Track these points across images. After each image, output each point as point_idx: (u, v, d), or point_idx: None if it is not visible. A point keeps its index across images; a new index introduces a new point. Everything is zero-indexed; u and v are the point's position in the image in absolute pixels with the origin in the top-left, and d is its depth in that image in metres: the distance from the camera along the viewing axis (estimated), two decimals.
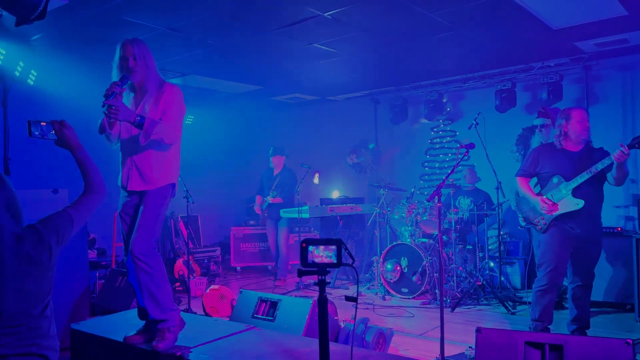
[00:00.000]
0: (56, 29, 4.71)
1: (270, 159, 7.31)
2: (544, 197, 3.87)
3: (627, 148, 3.48)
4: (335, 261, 1.97)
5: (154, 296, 2.99)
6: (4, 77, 4.05)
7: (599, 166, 3.66)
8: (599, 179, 3.76)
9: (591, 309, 4.89)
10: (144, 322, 3.14)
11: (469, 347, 3.75)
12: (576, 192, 3.77)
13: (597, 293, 5.03)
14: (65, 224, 2.24)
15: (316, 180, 7.69)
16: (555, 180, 3.88)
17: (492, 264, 6.02)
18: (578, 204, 3.74)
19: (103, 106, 2.87)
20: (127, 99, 3.14)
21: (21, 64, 4.28)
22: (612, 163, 3.58)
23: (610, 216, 5.97)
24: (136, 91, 3.13)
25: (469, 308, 5.34)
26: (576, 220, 3.78)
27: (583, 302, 3.92)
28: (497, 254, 5.80)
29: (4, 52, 4.03)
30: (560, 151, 3.91)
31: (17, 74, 4.29)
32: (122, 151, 3.23)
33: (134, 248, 2.95)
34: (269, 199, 7.02)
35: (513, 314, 5.08)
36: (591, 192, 3.76)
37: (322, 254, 1.97)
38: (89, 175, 2.49)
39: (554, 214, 3.82)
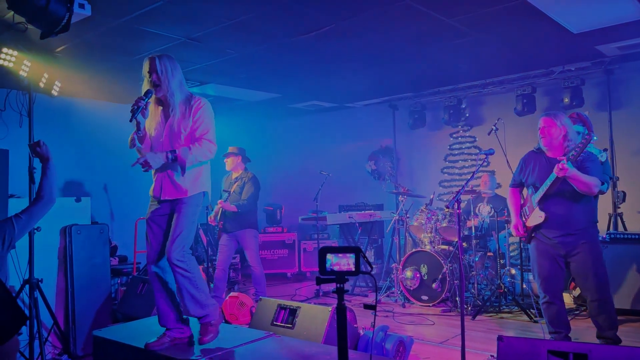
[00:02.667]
0: (79, 41, 4.82)
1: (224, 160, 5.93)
2: (517, 220, 3.82)
3: (562, 163, 3.32)
4: (353, 269, 1.97)
5: (194, 297, 3.14)
6: (30, 88, 4.14)
7: (547, 182, 3.54)
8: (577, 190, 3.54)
9: (619, 318, 4.81)
10: (164, 329, 3.19)
11: (491, 355, 3.70)
12: (544, 204, 3.62)
13: (625, 301, 4.92)
14: (9, 230, 2.67)
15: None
16: (530, 190, 3.78)
17: (513, 271, 5.94)
18: (541, 216, 3.62)
19: (130, 120, 3.04)
20: (156, 112, 3.23)
21: (46, 75, 4.38)
22: (565, 177, 3.40)
23: (637, 223, 5.86)
24: (163, 104, 3.23)
25: (490, 316, 5.27)
26: (551, 232, 3.62)
27: (597, 317, 3.64)
28: (519, 261, 5.72)
29: (29, 65, 4.13)
30: (542, 157, 3.76)
31: (42, 85, 4.39)
32: None
33: (172, 256, 3.05)
34: (219, 203, 5.66)
35: (536, 322, 4.99)
36: (563, 203, 3.57)
37: (340, 262, 1.97)
38: (44, 185, 2.82)
39: (528, 225, 3.75)
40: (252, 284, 5.95)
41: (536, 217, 3.67)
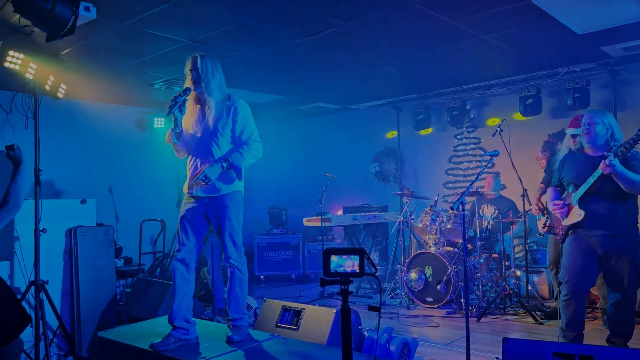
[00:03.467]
0: (85, 44, 4.84)
1: None
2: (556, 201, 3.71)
3: (608, 160, 3.25)
4: (358, 271, 1.97)
5: (238, 298, 3.30)
6: (35, 91, 4.17)
7: (590, 179, 3.44)
8: (621, 189, 3.42)
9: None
10: (170, 329, 3.21)
11: (496, 357, 3.67)
12: (585, 202, 3.53)
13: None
14: None
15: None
16: (570, 188, 3.69)
17: (518, 273, 5.92)
18: (580, 214, 3.52)
19: (167, 115, 3.17)
20: (194, 110, 3.32)
21: (51, 77, 4.40)
22: (610, 173, 3.31)
23: None
24: (202, 103, 3.30)
25: (495, 318, 5.25)
26: (592, 230, 3.52)
27: (615, 322, 3.59)
28: (524, 263, 5.70)
29: (35, 67, 4.15)
30: (580, 156, 3.70)
31: (48, 87, 4.41)
32: (191, 157, 3.34)
33: (231, 256, 3.25)
34: None
35: (541, 324, 4.97)
36: (604, 202, 3.47)
37: (344, 264, 1.97)
38: (11, 190, 2.73)
39: (565, 223, 3.65)
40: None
41: (575, 215, 3.56)
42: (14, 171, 2.86)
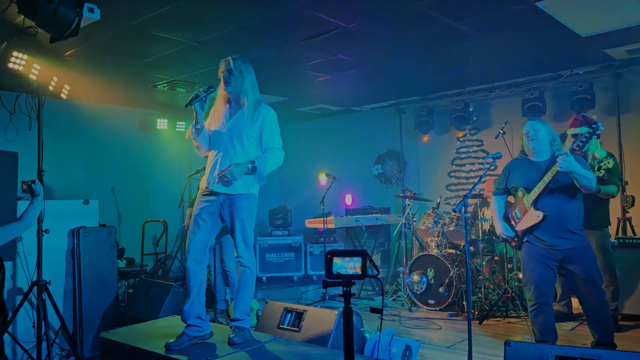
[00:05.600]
0: (88, 45, 4.86)
1: None
2: (504, 223, 3.80)
3: (561, 157, 3.32)
4: (359, 273, 1.97)
5: (246, 298, 3.32)
6: (39, 91, 4.18)
7: (545, 179, 3.48)
8: (571, 189, 3.52)
9: (628, 324, 4.77)
10: (182, 330, 3.23)
11: None
12: (538, 204, 3.56)
13: (635, 306, 4.86)
14: None
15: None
16: (519, 193, 3.72)
17: (521, 276, 5.90)
18: (538, 215, 3.54)
19: (185, 106, 3.18)
20: (221, 108, 3.37)
21: (55, 78, 4.41)
22: (568, 172, 3.37)
23: None
24: (232, 104, 3.35)
25: (497, 320, 5.24)
26: (546, 233, 3.55)
27: (599, 323, 3.61)
28: None
29: (38, 68, 4.16)
30: (525, 161, 3.75)
31: (51, 88, 4.43)
32: (211, 156, 3.36)
33: (243, 255, 3.26)
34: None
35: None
36: (558, 202, 3.53)
37: (347, 266, 1.97)
38: (30, 210, 3.20)
39: (520, 228, 3.68)
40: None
41: (532, 217, 3.59)
42: (33, 199, 3.31)
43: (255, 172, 3.24)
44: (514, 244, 3.85)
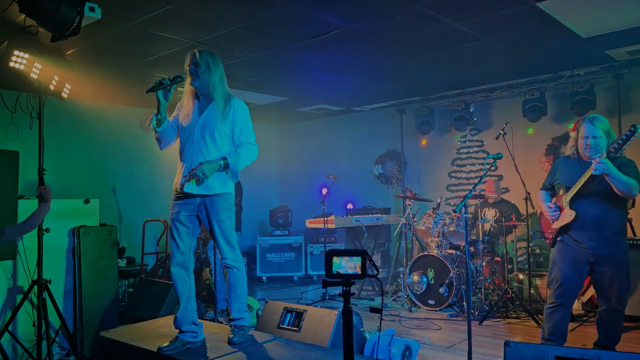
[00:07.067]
0: (89, 44, 4.86)
1: None
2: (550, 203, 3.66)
3: (598, 159, 3.21)
4: (360, 272, 1.97)
5: (240, 297, 3.27)
6: (40, 90, 4.19)
7: (582, 179, 3.39)
8: (611, 192, 3.37)
9: (628, 325, 4.76)
10: (177, 332, 3.20)
11: None
12: (576, 203, 3.48)
13: (636, 308, 4.86)
14: None
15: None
16: (561, 191, 3.64)
17: (521, 276, 5.90)
18: (571, 215, 3.46)
19: (147, 92, 3.05)
20: (190, 104, 3.21)
21: (56, 77, 4.41)
22: (601, 173, 3.26)
23: None
24: (200, 99, 3.21)
25: (497, 321, 5.24)
26: (582, 235, 3.47)
27: (606, 328, 3.57)
28: (527, 266, 5.69)
29: (39, 67, 4.17)
30: (575, 162, 3.64)
31: (52, 87, 4.43)
32: (182, 155, 3.22)
33: (227, 257, 3.19)
34: None
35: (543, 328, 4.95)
36: (596, 205, 3.43)
37: (346, 265, 1.97)
38: (36, 215, 3.28)
39: (555, 226, 3.61)
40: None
41: (566, 215, 3.51)
42: (41, 204, 3.37)
43: (227, 169, 3.10)
44: (548, 241, 3.76)
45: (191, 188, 3.09)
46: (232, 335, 3.23)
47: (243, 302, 3.32)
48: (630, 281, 3.56)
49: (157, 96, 3.05)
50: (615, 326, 3.55)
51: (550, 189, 3.82)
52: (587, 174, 3.37)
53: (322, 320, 3.54)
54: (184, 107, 3.23)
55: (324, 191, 7.59)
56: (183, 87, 3.28)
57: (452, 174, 7.83)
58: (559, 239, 3.63)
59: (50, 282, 4.01)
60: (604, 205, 3.44)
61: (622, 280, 3.46)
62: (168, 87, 3.06)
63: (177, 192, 3.18)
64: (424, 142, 8.11)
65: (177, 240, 3.16)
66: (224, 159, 3.08)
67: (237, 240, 3.26)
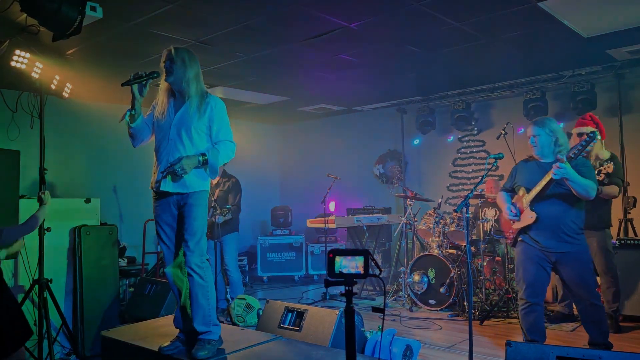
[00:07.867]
0: (91, 44, 4.86)
1: None
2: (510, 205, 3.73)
3: (558, 164, 3.28)
4: (362, 272, 1.97)
5: (203, 308, 3.04)
6: (41, 90, 4.19)
7: (542, 182, 3.47)
8: (569, 195, 3.47)
9: (629, 325, 4.76)
10: (178, 331, 3.18)
11: None
12: (536, 205, 3.56)
13: (636, 308, 4.85)
14: None
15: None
16: (520, 192, 3.71)
17: None
18: (531, 217, 3.54)
19: (122, 85, 3.00)
20: (166, 101, 3.13)
21: (57, 77, 4.41)
22: (561, 177, 3.34)
23: None
24: (176, 96, 3.13)
25: (498, 321, 5.23)
26: (540, 235, 3.56)
27: (592, 324, 3.61)
28: None
29: (40, 67, 4.17)
30: (533, 164, 3.73)
31: (53, 87, 4.43)
32: (157, 152, 3.15)
33: (191, 260, 2.99)
34: (221, 218, 5.51)
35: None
36: (555, 207, 3.51)
37: (349, 265, 1.97)
38: (36, 216, 3.45)
39: (516, 227, 3.68)
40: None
41: (526, 217, 3.60)
42: (41, 206, 3.55)
43: (206, 165, 3.00)
44: (508, 241, 3.86)
45: (167, 186, 3.00)
46: (195, 350, 2.95)
47: (208, 314, 3.06)
48: (595, 275, 3.68)
49: (132, 90, 3.00)
50: (599, 320, 3.61)
51: (511, 191, 3.91)
52: (547, 178, 3.46)
53: (323, 320, 3.54)
54: (159, 104, 3.14)
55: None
56: (159, 85, 3.21)
57: (453, 174, 7.83)
58: (519, 239, 3.73)
59: (51, 281, 4.01)
60: (563, 205, 3.54)
61: (587, 276, 3.56)
62: (144, 82, 3.00)
63: (154, 191, 3.10)
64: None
65: (166, 241, 3.10)
66: (203, 155, 2.98)
67: (206, 247, 3.08)
